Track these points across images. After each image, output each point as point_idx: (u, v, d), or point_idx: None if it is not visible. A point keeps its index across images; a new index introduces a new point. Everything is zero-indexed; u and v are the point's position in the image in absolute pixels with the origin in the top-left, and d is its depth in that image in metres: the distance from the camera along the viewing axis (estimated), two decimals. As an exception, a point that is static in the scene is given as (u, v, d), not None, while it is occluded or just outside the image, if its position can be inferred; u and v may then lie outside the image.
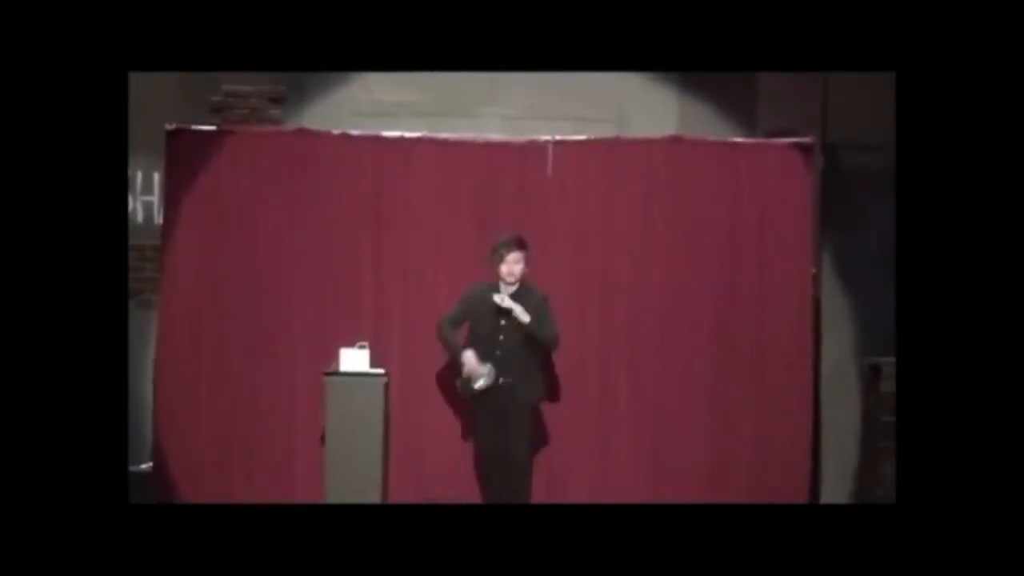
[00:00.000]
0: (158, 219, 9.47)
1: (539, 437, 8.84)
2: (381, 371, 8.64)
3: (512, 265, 8.32)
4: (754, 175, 9.25)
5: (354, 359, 8.61)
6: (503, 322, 8.29)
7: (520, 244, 8.34)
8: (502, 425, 8.31)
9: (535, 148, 9.28)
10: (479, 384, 8.21)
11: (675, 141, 9.36)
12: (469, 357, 8.21)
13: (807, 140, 9.33)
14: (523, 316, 8.17)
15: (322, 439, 8.63)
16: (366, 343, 8.70)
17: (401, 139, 9.30)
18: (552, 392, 8.91)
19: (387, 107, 9.66)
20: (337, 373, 8.56)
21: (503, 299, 8.19)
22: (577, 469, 9.10)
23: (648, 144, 9.34)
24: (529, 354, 8.42)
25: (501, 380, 8.24)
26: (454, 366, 8.53)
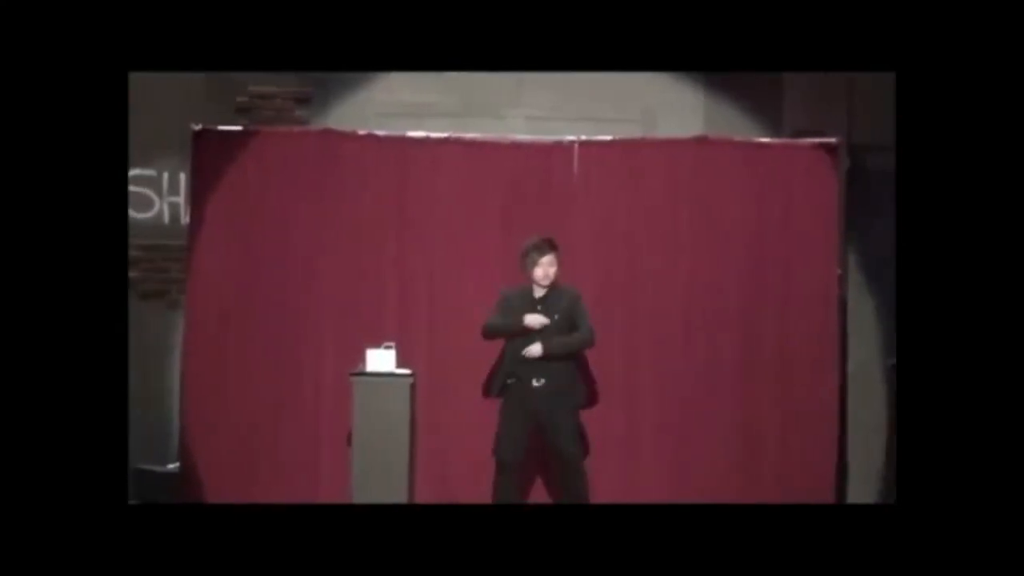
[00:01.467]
0: (185, 220, 9.49)
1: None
2: (407, 371, 8.62)
3: (547, 268, 8.29)
4: (780, 175, 9.24)
5: (380, 359, 8.59)
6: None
7: (553, 246, 8.32)
8: (531, 431, 8.25)
9: (561, 149, 9.31)
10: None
11: (700, 141, 9.36)
12: (534, 317, 8.18)
13: (833, 141, 9.32)
14: (535, 349, 8.20)
15: (348, 440, 8.62)
16: (392, 343, 8.68)
17: (427, 139, 9.33)
18: (590, 396, 8.81)
19: (412, 108, 9.63)
20: (363, 373, 8.54)
21: (534, 347, 8.21)
22: (602, 469, 9.00)
23: (673, 144, 9.35)
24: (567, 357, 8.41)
25: (535, 382, 8.20)
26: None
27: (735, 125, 9.75)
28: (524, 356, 8.16)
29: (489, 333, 8.38)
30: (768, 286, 9.20)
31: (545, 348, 8.18)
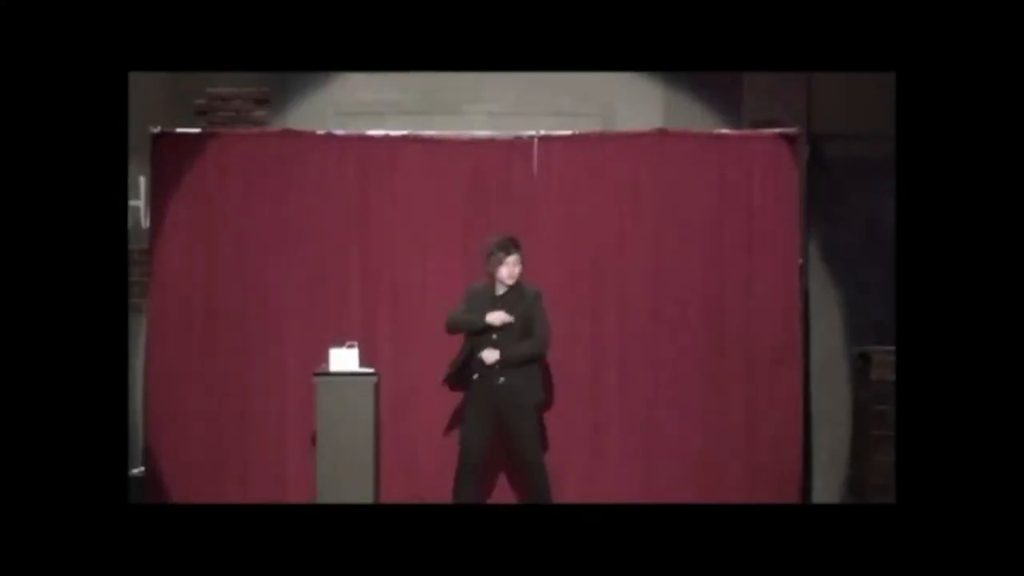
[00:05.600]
0: (145, 223, 9.45)
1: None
2: (371, 371, 8.60)
3: (512, 267, 8.26)
4: (740, 166, 9.23)
5: (343, 359, 8.55)
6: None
7: (517, 245, 8.28)
8: (495, 428, 8.27)
9: (520, 145, 9.27)
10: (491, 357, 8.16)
11: (661, 134, 9.32)
12: (498, 315, 8.15)
13: (793, 130, 9.31)
14: (489, 356, 8.19)
15: (313, 440, 8.61)
16: (355, 343, 8.65)
17: (386, 138, 9.30)
18: (546, 392, 8.82)
19: (371, 106, 9.62)
20: (326, 373, 8.51)
21: (489, 354, 8.21)
22: (568, 468, 9.06)
23: (634, 138, 9.32)
24: None
25: (501, 380, 8.17)
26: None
27: (695, 117, 9.78)
28: (480, 359, 8.17)
29: (451, 327, 8.34)
30: (731, 278, 9.20)
31: (504, 356, 8.20)
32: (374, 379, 8.57)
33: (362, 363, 8.60)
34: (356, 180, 9.26)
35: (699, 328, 9.19)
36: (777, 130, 9.30)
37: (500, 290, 8.34)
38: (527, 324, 8.24)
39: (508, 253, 8.25)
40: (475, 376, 8.21)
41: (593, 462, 9.18)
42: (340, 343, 8.64)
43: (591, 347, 9.21)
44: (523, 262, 8.28)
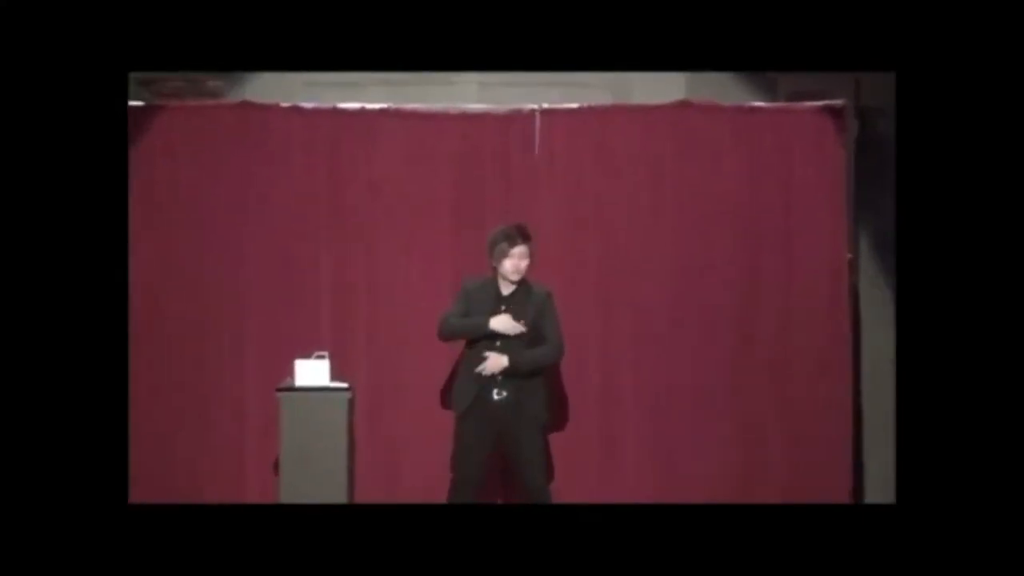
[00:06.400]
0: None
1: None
2: (344, 385, 8.19)
3: (518, 261, 7.76)
4: (777, 145, 8.78)
5: (312, 371, 8.15)
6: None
7: (526, 235, 7.78)
8: (494, 452, 7.84)
9: (520, 119, 8.79)
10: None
11: (683, 107, 8.83)
12: (504, 321, 7.70)
13: (838, 103, 8.82)
14: (496, 363, 7.66)
15: (275, 468, 8.21)
16: (325, 353, 8.25)
17: (362, 111, 8.80)
18: (558, 408, 8.42)
19: (346, 75, 8.81)
20: (292, 389, 8.11)
21: (496, 360, 7.68)
22: (577, 486, 8.66)
23: (652, 111, 8.82)
24: None
25: (496, 395, 7.70)
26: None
27: (722, 88, 9.12)
28: (482, 371, 7.67)
29: (447, 333, 7.85)
30: (766, 274, 8.76)
31: (512, 363, 7.68)
32: (348, 395, 8.18)
33: (333, 376, 8.21)
34: (326, 161, 8.77)
35: (728, 333, 8.77)
36: (819, 103, 8.80)
37: (506, 289, 7.82)
38: (535, 329, 7.80)
39: (514, 244, 7.73)
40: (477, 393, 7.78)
41: (603, 488, 8.73)
42: (308, 353, 8.24)
43: (601, 356, 8.76)
44: (532, 255, 7.80)
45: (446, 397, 8.18)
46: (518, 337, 7.70)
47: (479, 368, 7.60)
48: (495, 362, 7.62)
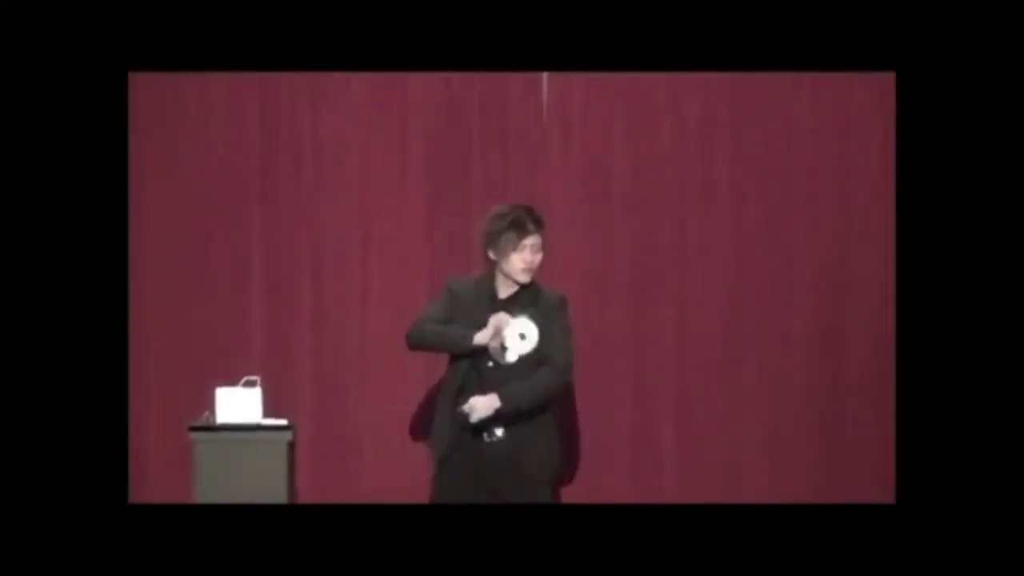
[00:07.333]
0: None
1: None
2: (283, 422, 7.40)
3: (532, 255, 6.54)
4: (838, 116, 8.12)
5: (238, 403, 7.33)
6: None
7: (539, 221, 6.61)
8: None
9: (522, 82, 7.89)
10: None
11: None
12: (501, 317, 6.47)
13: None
14: (480, 408, 6.41)
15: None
16: (256, 378, 7.46)
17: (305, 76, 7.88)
18: (571, 451, 7.53)
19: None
20: (210, 428, 7.30)
21: (479, 405, 6.43)
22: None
23: (691, 79, 7.95)
24: None
25: (488, 436, 6.51)
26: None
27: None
28: (465, 412, 6.45)
29: (416, 339, 6.66)
30: (825, 259, 8.10)
31: (506, 403, 6.47)
32: (288, 435, 7.36)
33: (267, 409, 7.43)
34: (258, 129, 7.86)
35: (800, 339, 8.07)
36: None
37: (506, 290, 6.57)
38: (542, 346, 6.67)
39: (525, 233, 6.49)
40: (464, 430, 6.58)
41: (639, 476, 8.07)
42: (234, 379, 7.43)
43: (634, 374, 7.97)
44: (545, 248, 6.65)
45: (418, 427, 7.31)
46: (521, 361, 6.46)
47: (463, 409, 6.40)
48: (484, 405, 6.40)
